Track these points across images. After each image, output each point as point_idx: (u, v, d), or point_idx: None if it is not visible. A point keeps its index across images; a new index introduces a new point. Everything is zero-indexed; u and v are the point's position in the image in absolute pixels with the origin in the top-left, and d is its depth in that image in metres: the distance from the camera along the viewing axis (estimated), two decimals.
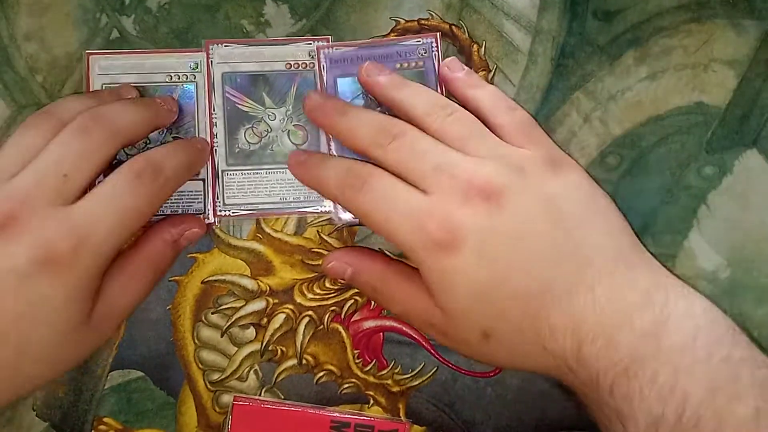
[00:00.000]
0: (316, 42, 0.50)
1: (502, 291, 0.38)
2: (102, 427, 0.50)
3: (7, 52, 0.51)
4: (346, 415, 0.49)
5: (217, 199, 0.50)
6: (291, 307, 0.51)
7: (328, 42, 0.50)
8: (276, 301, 0.51)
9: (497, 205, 0.38)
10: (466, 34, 0.52)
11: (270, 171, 0.50)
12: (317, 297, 0.51)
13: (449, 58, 0.49)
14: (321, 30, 0.52)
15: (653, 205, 0.51)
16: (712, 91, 0.52)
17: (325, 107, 0.46)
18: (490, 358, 0.41)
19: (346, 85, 0.50)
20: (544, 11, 0.52)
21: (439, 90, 0.49)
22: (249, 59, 0.51)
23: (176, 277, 0.51)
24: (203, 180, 0.50)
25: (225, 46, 0.51)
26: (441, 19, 0.52)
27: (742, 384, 0.33)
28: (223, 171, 0.50)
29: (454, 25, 0.52)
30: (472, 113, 0.44)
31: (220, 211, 0.50)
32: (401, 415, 0.51)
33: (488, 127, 0.44)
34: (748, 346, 0.36)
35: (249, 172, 0.50)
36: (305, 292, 0.51)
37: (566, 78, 0.51)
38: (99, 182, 0.41)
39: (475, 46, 0.52)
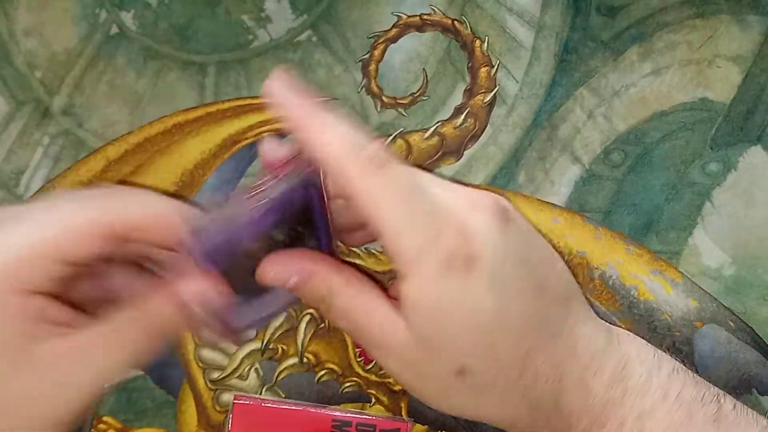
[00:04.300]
0: None
1: (502, 323, 0.35)
2: (101, 425, 0.50)
3: (6, 47, 0.51)
4: (348, 414, 0.49)
5: None
6: None
7: None
8: None
9: (506, 220, 0.35)
10: (469, 29, 0.51)
11: None
12: None
13: None
14: (322, 25, 0.51)
15: (657, 202, 0.50)
16: (717, 86, 0.51)
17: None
18: (454, 403, 0.37)
19: None
20: (548, 6, 0.51)
21: None
22: None
23: None
24: None
25: None
26: (443, 14, 0.51)
27: (697, 422, 0.35)
28: None
29: (456, 20, 0.51)
30: None
31: None
32: (403, 414, 0.50)
33: None
34: (693, 382, 0.37)
35: None
36: None
37: (570, 74, 0.51)
38: None
39: (478, 42, 0.51)
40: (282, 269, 0.36)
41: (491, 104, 0.51)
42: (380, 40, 0.51)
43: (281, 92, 0.34)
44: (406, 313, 0.35)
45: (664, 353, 0.37)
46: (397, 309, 0.35)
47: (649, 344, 0.37)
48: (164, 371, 0.50)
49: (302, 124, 0.33)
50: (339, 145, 0.33)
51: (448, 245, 0.33)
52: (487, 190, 0.47)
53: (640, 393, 0.35)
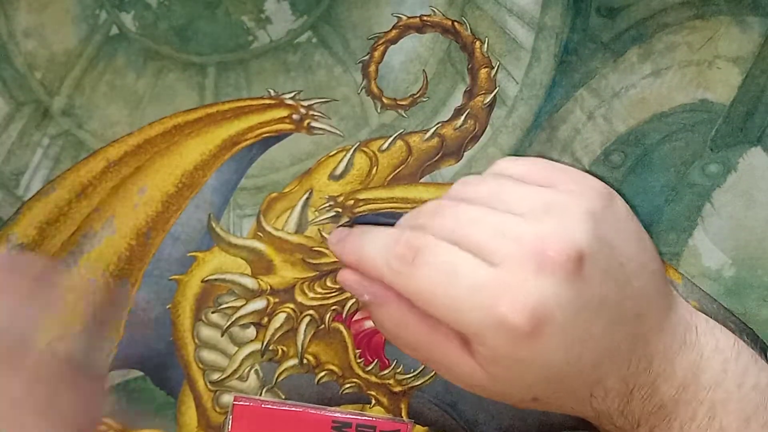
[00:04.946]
0: None
1: (572, 369, 0.34)
2: (101, 427, 0.50)
3: (6, 48, 0.51)
4: (348, 416, 0.49)
5: None
6: (292, 306, 0.50)
7: None
8: (277, 300, 0.50)
9: (578, 269, 0.32)
10: (469, 30, 0.51)
11: None
12: (318, 296, 0.50)
13: None
14: (322, 26, 0.51)
15: (658, 203, 0.50)
16: (717, 88, 0.51)
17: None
18: (529, 409, 0.39)
19: None
20: (548, 7, 0.51)
21: None
22: None
23: (176, 276, 0.50)
24: None
25: None
26: (443, 15, 0.51)
27: None
28: None
29: (456, 21, 0.51)
30: None
31: None
32: (403, 415, 0.50)
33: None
34: None
35: None
36: (306, 291, 0.50)
37: (570, 75, 0.51)
38: None
39: (478, 43, 0.51)
40: (360, 281, 0.37)
41: (491, 105, 0.51)
42: (380, 42, 0.51)
43: (337, 246, 0.37)
44: (481, 361, 0.34)
45: (744, 342, 0.38)
46: (470, 351, 0.34)
47: (729, 333, 0.38)
48: (164, 372, 0.50)
49: (344, 251, 0.36)
50: (372, 256, 0.34)
51: (508, 319, 0.32)
52: None
53: (713, 386, 0.35)
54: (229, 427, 0.49)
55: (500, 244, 0.33)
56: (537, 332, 0.32)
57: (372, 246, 0.35)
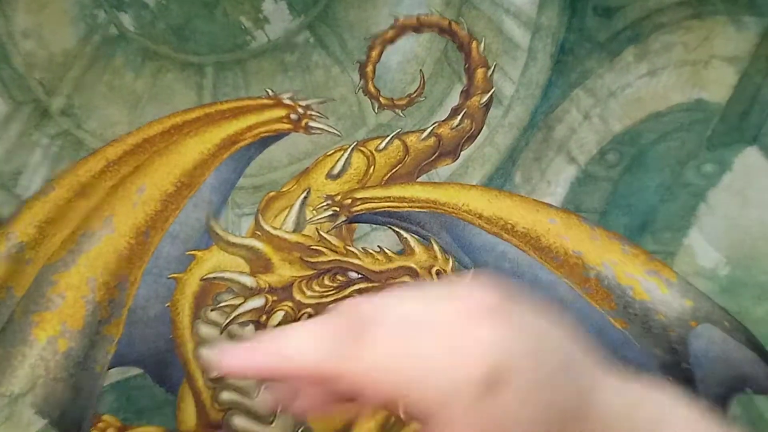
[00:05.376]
0: None
1: (546, 415, 0.32)
2: (101, 424, 0.50)
3: (4, 48, 0.51)
4: None
5: None
6: (290, 304, 0.51)
7: None
8: (275, 298, 0.51)
9: (509, 318, 0.33)
10: (466, 30, 0.52)
11: None
12: (316, 294, 0.51)
13: None
14: (320, 26, 0.51)
15: (653, 202, 0.51)
16: (712, 87, 0.52)
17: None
18: None
19: None
20: (544, 7, 0.51)
21: None
22: None
23: (175, 275, 0.51)
24: None
25: None
26: (440, 15, 0.51)
27: None
28: None
29: (453, 21, 0.51)
30: None
31: None
32: (401, 412, 0.51)
33: None
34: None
35: None
36: (304, 290, 0.51)
37: (566, 75, 0.51)
38: None
39: (475, 43, 0.51)
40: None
41: (488, 105, 0.51)
42: (377, 42, 0.51)
43: (236, 364, 0.30)
44: None
45: (695, 405, 0.37)
46: None
47: (680, 397, 0.37)
48: (163, 370, 0.51)
49: (268, 365, 0.30)
50: (302, 351, 0.30)
51: (471, 375, 0.30)
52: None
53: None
54: None
55: (435, 308, 0.31)
56: (501, 380, 0.31)
57: (297, 342, 0.31)
